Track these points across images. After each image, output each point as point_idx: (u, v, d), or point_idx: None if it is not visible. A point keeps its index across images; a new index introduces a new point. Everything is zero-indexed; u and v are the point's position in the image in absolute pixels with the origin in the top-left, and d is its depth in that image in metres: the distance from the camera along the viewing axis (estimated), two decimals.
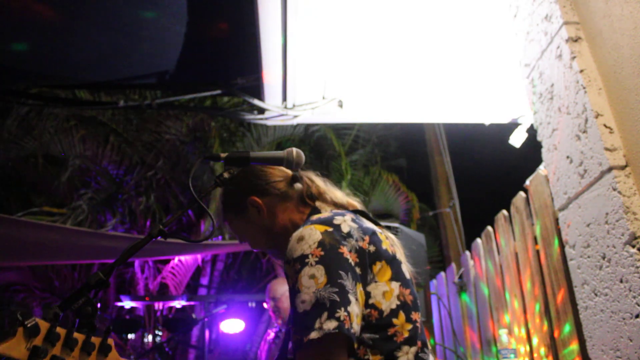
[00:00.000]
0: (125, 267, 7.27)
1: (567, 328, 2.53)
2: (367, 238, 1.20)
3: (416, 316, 1.20)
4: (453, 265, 4.41)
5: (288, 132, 7.74)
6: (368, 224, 1.27)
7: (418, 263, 3.65)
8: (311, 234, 1.15)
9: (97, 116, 7.60)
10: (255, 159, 1.30)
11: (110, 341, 0.95)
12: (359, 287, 1.14)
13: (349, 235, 1.17)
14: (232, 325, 5.32)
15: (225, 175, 1.28)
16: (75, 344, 0.89)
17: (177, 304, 5.74)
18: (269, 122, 3.30)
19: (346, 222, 1.20)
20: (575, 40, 1.67)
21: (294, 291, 1.10)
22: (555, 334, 2.66)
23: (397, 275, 1.21)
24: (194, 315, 4.96)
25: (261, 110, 3.21)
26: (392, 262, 1.22)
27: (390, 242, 1.29)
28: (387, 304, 1.16)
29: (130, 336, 7.10)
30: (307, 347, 1.04)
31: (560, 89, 1.74)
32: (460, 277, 4.07)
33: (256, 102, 3.13)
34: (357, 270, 1.14)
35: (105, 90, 4.98)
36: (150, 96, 6.62)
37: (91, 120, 7.73)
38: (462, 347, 4.00)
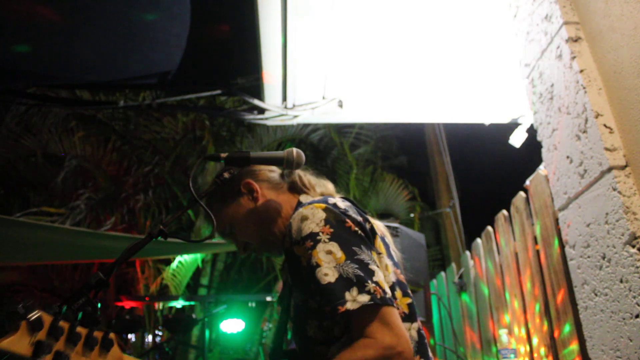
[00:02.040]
0: (125, 267, 7.27)
1: (567, 328, 2.53)
2: (360, 215, 1.24)
3: (410, 294, 1.24)
4: (453, 265, 4.41)
5: (290, 132, 7.74)
6: (356, 207, 1.31)
7: (418, 263, 3.65)
8: (314, 213, 1.17)
9: (97, 116, 7.60)
10: (256, 159, 1.30)
11: (112, 335, 0.94)
12: (374, 254, 1.17)
13: (346, 210, 1.21)
14: (232, 325, 5.32)
15: (226, 175, 1.28)
16: (79, 339, 0.88)
17: (177, 304, 5.73)
18: (269, 122, 3.30)
19: (339, 201, 1.24)
20: (575, 40, 1.67)
21: (312, 266, 1.11)
22: (555, 334, 2.66)
23: (389, 254, 1.26)
24: (194, 315, 4.95)
25: (261, 110, 3.20)
26: (383, 242, 1.28)
27: (378, 228, 1.33)
28: (389, 277, 1.20)
29: (130, 336, 7.11)
30: (355, 316, 1.05)
31: (560, 89, 1.74)
32: (460, 277, 4.07)
33: (256, 102, 3.12)
34: (366, 239, 1.18)
35: (105, 90, 4.98)
36: (150, 96, 6.62)
37: (91, 119, 7.74)
38: (462, 347, 4.00)
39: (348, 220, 1.17)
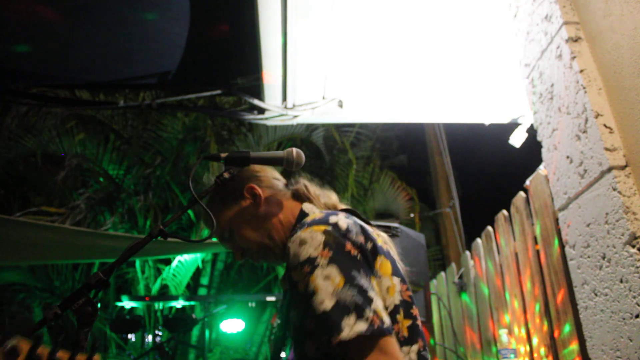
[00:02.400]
0: (125, 267, 7.27)
1: (567, 328, 2.53)
2: (362, 234, 1.19)
3: (415, 311, 1.19)
4: (453, 265, 4.41)
5: (289, 131, 7.74)
6: (360, 222, 1.26)
7: (418, 263, 3.65)
8: (313, 236, 1.13)
9: (97, 116, 7.60)
10: (256, 159, 1.30)
11: (97, 357, 0.91)
12: (373, 280, 1.13)
13: (347, 231, 1.16)
14: (232, 325, 5.32)
15: (226, 175, 1.28)
16: None
17: (177, 304, 5.74)
18: (269, 122, 3.30)
19: (341, 220, 1.19)
20: (575, 40, 1.67)
21: (309, 293, 1.07)
22: (555, 334, 2.66)
23: (396, 271, 1.21)
24: (194, 315, 4.95)
25: (261, 110, 3.20)
26: (389, 257, 1.23)
27: (383, 240, 1.29)
28: (391, 300, 1.16)
29: (130, 336, 7.11)
30: (351, 345, 1.02)
31: (560, 89, 1.74)
32: (460, 277, 4.07)
33: (256, 102, 3.12)
34: (365, 264, 1.14)
35: (106, 90, 4.98)
36: (150, 96, 6.62)
37: (91, 119, 7.73)
38: (462, 347, 4.00)
39: (348, 244, 1.14)
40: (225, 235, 1.39)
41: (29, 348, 0.82)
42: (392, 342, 1.05)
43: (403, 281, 1.22)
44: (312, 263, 1.09)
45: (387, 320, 1.07)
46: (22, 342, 0.81)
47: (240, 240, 1.37)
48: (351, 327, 1.01)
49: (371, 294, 1.08)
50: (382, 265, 1.18)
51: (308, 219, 1.23)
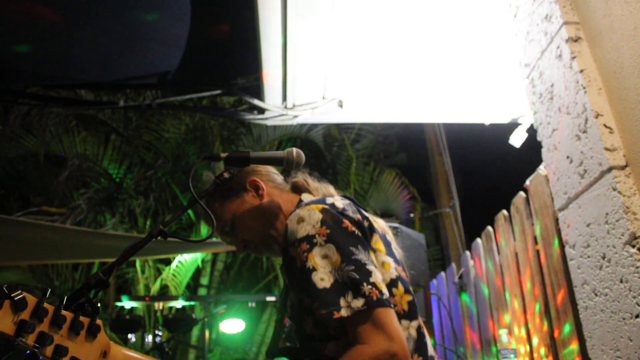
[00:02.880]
0: (125, 267, 7.27)
1: (567, 328, 2.53)
2: (359, 213, 1.23)
3: (412, 291, 1.23)
4: (453, 265, 4.41)
5: (288, 130, 7.75)
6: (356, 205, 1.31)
7: (418, 263, 3.65)
8: (311, 214, 1.15)
9: (98, 115, 7.61)
10: (256, 159, 1.30)
11: (100, 322, 0.92)
12: (372, 254, 1.17)
13: (344, 210, 1.20)
14: (232, 325, 5.32)
15: (226, 175, 1.28)
16: (64, 321, 0.86)
17: (177, 304, 5.73)
18: (269, 122, 3.30)
19: (337, 200, 1.23)
20: (575, 40, 1.67)
21: (308, 270, 1.10)
22: (555, 334, 2.66)
23: (390, 252, 1.25)
24: (194, 315, 4.95)
25: (261, 110, 3.21)
26: (384, 239, 1.26)
27: (380, 225, 1.32)
28: (387, 274, 1.19)
29: (130, 336, 7.10)
30: (350, 322, 1.05)
31: (560, 89, 1.74)
32: (460, 277, 4.07)
33: (256, 102, 3.12)
34: (364, 239, 1.17)
35: (105, 90, 4.98)
36: (150, 96, 6.63)
37: (92, 119, 7.74)
38: (462, 347, 4.00)
39: (345, 220, 1.16)
40: (227, 229, 1.40)
41: (35, 301, 0.83)
42: (388, 313, 1.07)
43: (397, 263, 1.25)
44: (310, 241, 1.12)
45: (385, 292, 1.09)
46: (29, 296, 0.82)
47: (243, 233, 1.38)
48: (348, 304, 1.05)
49: (370, 267, 1.11)
50: (377, 242, 1.22)
51: (306, 200, 1.28)
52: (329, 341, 1.13)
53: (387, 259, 1.21)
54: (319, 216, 1.15)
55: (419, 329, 1.18)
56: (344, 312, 1.04)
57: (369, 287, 1.06)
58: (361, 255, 1.11)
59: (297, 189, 1.44)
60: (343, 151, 8.46)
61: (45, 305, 0.83)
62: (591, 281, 1.63)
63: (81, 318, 0.89)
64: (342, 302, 1.05)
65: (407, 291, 1.20)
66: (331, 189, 1.46)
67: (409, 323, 1.16)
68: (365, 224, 1.22)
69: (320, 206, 1.18)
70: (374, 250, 1.20)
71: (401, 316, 1.15)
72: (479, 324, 3.73)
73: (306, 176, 1.46)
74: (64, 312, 0.86)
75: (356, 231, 1.16)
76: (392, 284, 1.18)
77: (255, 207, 1.37)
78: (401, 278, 1.21)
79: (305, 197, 1.38)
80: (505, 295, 3.31)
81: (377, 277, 1.10)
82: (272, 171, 1.46)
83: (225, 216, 1.38)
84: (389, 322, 1.06)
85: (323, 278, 1.08)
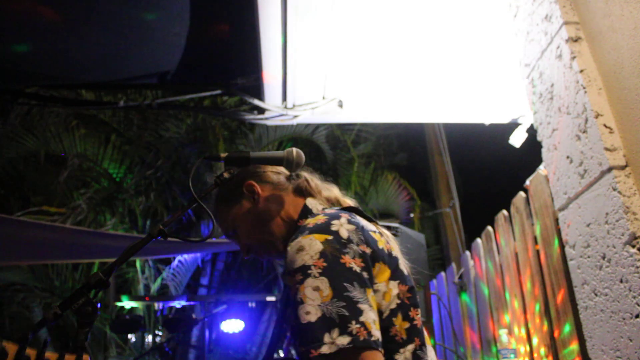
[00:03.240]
0: (125, 267, 7.27)
1: (567, 328, 2.53)
2: (364, 242, 1.17)
3: (414, 313, 1.18)
4: (453, 265, 4.41)
5: (290, 130, 7.75)
6: (363, 222, 1.24)
7: (418, 263, 3.64)
8: (311, 244, 1.11)
9: (98, 115, 7.61)
10: (256, 159, 1.30)
11: (86, 357, 0.92)
12: (369, 292, 1.11)
13: (349, 240, 1.14)
14: (232, 325, 5.32)
15: (226, 175, 1.28)
16: None
17: (177, 304, 5.74)
18: (269, 122, 3.30)
19: (343, 226, 1.16)
20: (575, 40, 1.67)
21: (297, 302, 1.06)
22: (555, 334, 2.66)
23: (395, 274, 1.19)
24: (194, 315, 4.96)
25: (261, 110, 3.20)
26: (390, 260, 1.21)
27: (386, 239, 1.27)
28: (387, 305, 1.14)
29: (130, 336, 7.11)
30: (336, 356, 0.99)
31: (560, 89, 1.74)
32: (460, 277, 4.07)
33: (256, 102, 3.13)
34: (365, 275, 1.11)
35: (106, 90, 4.98)
36: (150, 96, 6.63)
37: (92, 119, 7.74)
38: (462, 347, 4.00)
39: (344, 257, 1.11)
40: (230, 233, 1.39)
41: (16, 349, 0.82)
42: (375, 357, 1.02)
43: (403, 282, 1.20)
44: (304, 272, 1.08)
45: (376, 334, 1.04)
46: (9, 344, 0.82)
47: (243, 237, 1.37)
48: (333, 341, 0.99)
49: (362, 305, 1.05)
50: (380, 272, 1.17)
51: (311, 223, 1.20)
52: None
53: (388, 287, 1.16)
54: (319, 247, 1.11)
55: (414, 352, 1.13)
56: (325, 349, 0.99)
57: (357, 325, 1.02)
58: (355, 292, 1.06)
59: (300, 191, 1.39)
60: (345, 152, 8.47)
61: (28, 351, 0.84)
62: (591, 281, 1.63)
63: (66, 357, 0.89)
64: (327, 338, 1.00)
65: (405, 318, 1.16)
66: (335, 190, 1.43)
67: (404, 349, 1.13)
68: (369, 251, 1.16)
69: (324, 237, 1.13)
70: (375, 283, 1.15)
71: (401, 345, 1.12)
72: (479, 324, 3.73)
73: (310, 177, 1.42)
74: (48, 354, 0.87)
75: (354, 267, 1.11)
76: (392, 314, 1.14)
77: (252, 212, 1.35)
78: (402, 304, 1.17)
79: (310, 202, 1.35)
80: (505, 295, 3.31)
81: (369, 316, 1.05)
82: (272, 171, 1.42)
83: (228, 219, 1.38)
84: None
85: (309, 312, 1.03)
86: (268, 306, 7.61)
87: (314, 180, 1.42)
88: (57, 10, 2.83)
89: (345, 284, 1.06)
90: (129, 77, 3.39)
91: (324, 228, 1.16)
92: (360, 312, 1.04)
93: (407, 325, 1.16)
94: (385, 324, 1.12)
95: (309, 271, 1.07)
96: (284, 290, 1.32)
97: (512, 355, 2.92)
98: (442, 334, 4.43)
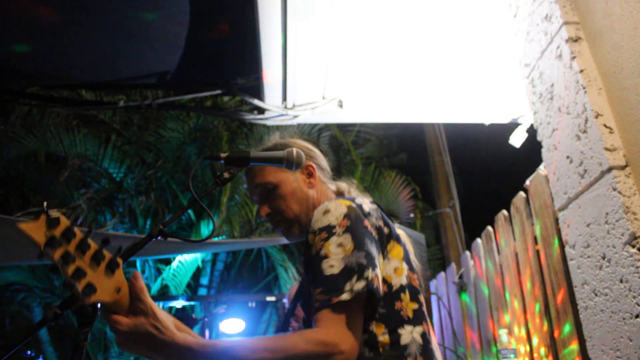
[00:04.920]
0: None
1: (567, 328, 2.53)
2: (382, 219, 1.28)
3: (422, 299, 1.26)
4: (453, 265, 4.41)
5: (291, 131, 7.75)
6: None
7: (418, 263, 3.63)
8: (337, 207, 1.21)
9: (98, 115, 7.61)
10: (256, 159, 1.30)
11: (120, 260, 0.97)
12: (381, 258, 1.21)
13: (369, 214, 1.25)
14: (232, 325, 5.32)
15: (226, 175, 1.28)
16: (88, 249, 0.92)
17: (177, 304, 5.73)
18: (269, 122, 3.30)
19: (366, 203, 1.28)
20: (575, 40, 1.67)
21: (321, 257, 1.15)
22: (555, 334, 2.66)
23: (407, 259, 1.29)
24: (194, 315, 4.95)
25: (261, 110, 3.20)
26: (404, 247, 1.31)
27: (402, 235, 1.36)
28: (398, 280, 1.22)
29: None
30: (338, 307, 1.09)
31: (560, 89, 1.74)
32: (460, 277, 4.07)
33: (256, 102, 3.13)
34: (378, 243, 1.22)
35: (106, 90, 4.98)
36: (151, 96, 6.63)
37: (92, 119, 7.74)
38: (462, 347, 4.00)
39: (366, 221, 1.22)
40: (269, 187, 1.41)
41: (68, 224, 0.90)
42: (357, 310, 1.12)
43: (412, 270, 1.29)
44: (329, 230, 1.17)
45: (380, 287, 1.15)
46: (63, 218, 0.90)
47: (279, 204, 1.40)
48: (351, 289, 1.09)
49: (377, 261, 1.16)
50: (394, 249, 1.26)
51: (338, 196, 1.34)
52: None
53: (401, 265, 1.25)
54: (344, 210, 1.20)
55: (424, 335, 1.19)
56: (345, 296, 1.08)
57: (373, 274, 1.11)
58: (373, 249, 1.16)
59: (339, 194, 1.49)
60: (346, 154, 8.48)
61: (75, 230, 0.91)
62: (591, 281, 1.63)
63: (104, 251, 0.95)
64: (347, 286, 1.09)
65: (413, 299, 1.23)
66: (367, 200, 1.49)
67: (412, 328, 1.18)
68: (386, 230, 1.26)
69: (348, 202, 1.23)
70: (387, 258, 1.24)
71: (405, 322, 1.18)
72: (479, 324, 3.73)
73: (351, 185, 1.53)
74: (90, 241, 0.93)
75: (374, 233, 1.21)
76: (401, 289, 1.21)
77: (302, 190, 1.41)
78: (411, 285, 1.25)
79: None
80: (505, 295, 3.31)
81: (379, 273, 1.15)
82: (324, 165, 1.52)
83: (272, 179, 1.41)
84: (353, 321, 1.10)
85: (333, 265, 1.12)
86: (268, 306, 7.60)
87: (352, 188, 1.53)
88: (57, 10, 2.83)
89: (366, 239, 1.17)
90: (129, 77, 3.39)
91: (349, 198, 1.28)
92: (376, 265, 1.15)
93: (415, 306, 1.23)
94: (392, 297, 1.19)
95: (334, 230, 1.17)
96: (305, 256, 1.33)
97: (512, 355, 2.92)
98: (442, 334, 4.43)
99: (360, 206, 1.24)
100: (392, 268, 1.23)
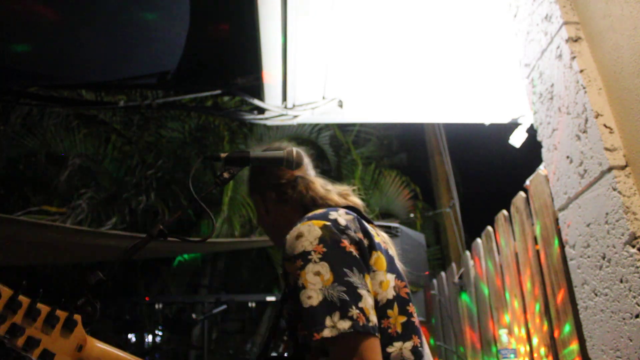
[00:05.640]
0: (126, 266, 7.27)
1: (567, 328, 2.53)
2: (361, 231, 1.20)
3: (412, 309, 1.19)
4: (453, 265, 4.41)
5: (291, 131, 7.75)
6: (360, 219, 1.26)
7: (418, 263, 3.65)
8: (310, 230, 1.13)
9: (99, 115, 7.61)
10: (255, 159, 1.30)
11: (77, 317, 0.93)
12: (367, 278, 1.13)
13: (346, 227, 1.17)
14: (232, 325, 5.32)
15: (225, 175, 1.28)
16: (38, 315, 0.87)
17: (177, 304, 5.74)
18: (269, 122, 3.30)
19: (341, 216, 1.20)
20: (575, 40, 1.67)
21: (298, 287, 1.08)
22: (555, 334, 2.66)
23: (391, 268, 1.22)
24: (194, 315, 4.95)
25: (261, 110, 3.20)
26: (386, 255, 1.23)
27: (382, 239, 1.29)
28: (384, 294, 1.16)
29: (131, 336, 7.11)
30: (332, 344, 1.03)
31: (560, 89, 1.74)
32: (460, 277, 4.07)
33: (256, 102, 3.12)
34: (361, 261, 1.14)
35: (106, 90, 4.98)
36: (151, 96, 6.63)
37: (92, 119, 7.74)
38: (462, 347, 4.00)
39: (344, 240, 1.14)
40: (262, 211, 1.47)
41: (10, 294, 0.84)
42: (372, 344, 1.04)
43: (400, 278, 1.22)
44: (305, 257, 1.10)
45: (373, 319, 1.07)
46: (4, 288, 0.84)
47: (262, 213, 1.47)
48: (334, 325, 1.02)
49: (361, 291, 1.08)
50: (377, 260, 1.19)
51: (309, 214, 1.23)
52: (321, 357, 1.11)
53: (386, 277, 1.18)
54: (318, 233, 1.13)
55: (414, 350, 1.14)
56: (327, 333, 1.01)
57: (357, 311, 1.04)
58: (354, 278, 1.09)
59: (304, 204, 1.41)
60: (347, 154, 8.48)
61: (20, 298, 0.85)
62: (591, 281, 1.63)
63: (57, 312, 0.90)
64: (328, 322, 1.02)
65: (402, 312, 1.17)
66: (336, 198, 1.42)
67: (402, 344, 1.13)
68: (366, 242, 1.19)
69: (322, 222, 1.16)
70: (373, 271, 1.17)
71: (393, 339, 1.13)
72: (479, 324, 3.73)
73: (313, 186, 1.43)
74: (40, 305, 0.88)
75: (354, 252, 1.14)
76: (387, 305, 1.15)
77: (272, 208, 1.44)
78: (399, 297, 1.18)
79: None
80: (505, 295, 3.31)
81: (367, 302, 1.08)
82: (282, 181, 1.43)
83: (258, 190, 1.46)
84: (371, 355, 1.03)
85: (311, 296, 1.05)
86: (268, 306, 7.60)
87: (315, 190, 1.41)
88: (57, 10, 2.83)
89: (345, 269, 1.09)
90: (129, 77, 3.39)
91: (322, 216, 1.19)
92: (360, 298, 1.06)
93: (403, 319, 1.16)
94: (379, 315, 1.12)
95: (309, 257, 1.10)
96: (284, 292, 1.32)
97: (512, 355, 2.92)
98: (442, 334, 4.43)
99: (335, 222, 1.17)
100: (377, 282, 1.16)
